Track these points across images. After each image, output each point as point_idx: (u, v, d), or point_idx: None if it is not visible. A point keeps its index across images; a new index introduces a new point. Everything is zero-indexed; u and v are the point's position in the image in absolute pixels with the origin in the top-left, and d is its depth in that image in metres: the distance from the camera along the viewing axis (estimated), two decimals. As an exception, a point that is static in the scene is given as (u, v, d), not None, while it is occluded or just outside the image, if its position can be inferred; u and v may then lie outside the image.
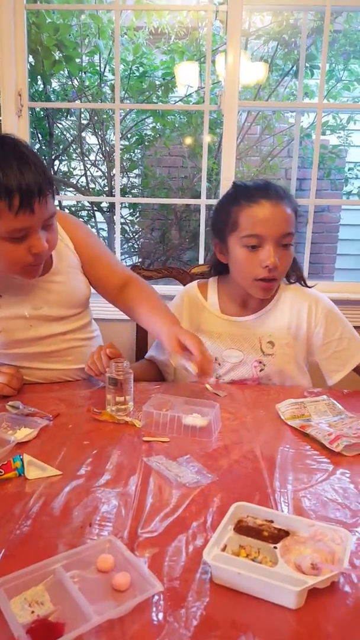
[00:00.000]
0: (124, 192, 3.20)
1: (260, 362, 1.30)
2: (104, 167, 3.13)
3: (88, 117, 3.00)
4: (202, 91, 2.78)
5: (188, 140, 3.10)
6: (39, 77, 2.65)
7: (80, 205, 3.23)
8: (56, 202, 1.14)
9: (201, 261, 2.12)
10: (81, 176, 3.15)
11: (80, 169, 3.13)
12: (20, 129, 1.94)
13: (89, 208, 3.23)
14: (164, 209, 3.25)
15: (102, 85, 2.89)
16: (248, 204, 1.20)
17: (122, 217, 3.22)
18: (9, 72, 1.89)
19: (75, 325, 1.30)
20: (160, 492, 0.79)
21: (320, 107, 1.98)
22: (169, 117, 2.93)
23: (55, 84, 2.93)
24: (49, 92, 2.85)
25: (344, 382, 1.31)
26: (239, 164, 3.13)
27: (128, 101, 2.90)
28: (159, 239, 3.34)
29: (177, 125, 3.03)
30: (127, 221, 3.32)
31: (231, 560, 0.61)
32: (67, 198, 3.19)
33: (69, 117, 3.04)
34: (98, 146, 3.08)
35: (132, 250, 3.41)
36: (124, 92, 2.86)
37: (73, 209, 3.20)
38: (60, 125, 3.08)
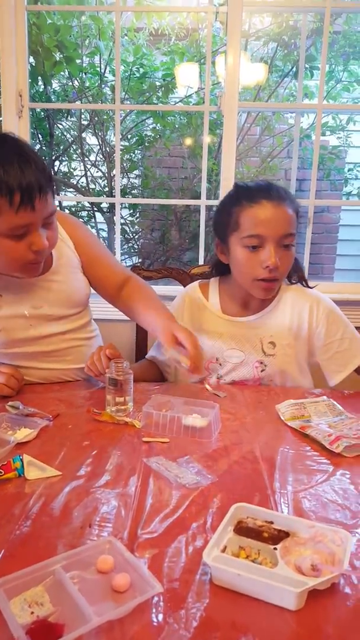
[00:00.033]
0: (124, 193, 3.20)
1: (261, 363, 1.30)
2: (104, 168, 3.13)
3: (88, 118, 3.00)
4: (202, 92, 2.78)
5: (188, 141, 3.11)
6: (39, 77, 2.65)
7: (80, 205, 3.24)
8: (56, 203, 1.15)
9: (201, 262, 2.12)
10: (81, 177, 3.15)
11: (80, 170, 3.13)
12: (20, 129, 1.94)
13: (89, 208, 3.23)
14: (164, 209, 3.25)
15: (103, 86, 2.89)
16: (249, 204, 1.20)
17: (122, 217, 3.22)
18: (10, 73, 1.89)
19: (75, 325, 1.30)
20: (160, 492, 0.79)
21: (320, 108, 1.98)
22: (169, 118, 2.93)
23: (55, 84, 2.94)
24: (49, 92, 2.85)
25: (345, 383, 1.31)
26: (239, 164, 3.13)
27: (128, 102, 2.90)
28: (159, 240, 3.34)
29: (177, 126, 3.03)
30: (127, 222, 3.32)
31: (231, 562, 0.60)
32: (68, 199, 3.19)
33: (69, 117, 3.04)
34: (98, 147, 3.09)
35: (132, 250, 3.41)
36: (124, 93, 2.86)
37: (73, 209, 3.20)
38: (60, 126, 3.08)
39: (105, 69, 2.85)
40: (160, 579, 0.59)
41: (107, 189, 3.13)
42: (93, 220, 3.25)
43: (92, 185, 3.17)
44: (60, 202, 2.89)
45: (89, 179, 3.14)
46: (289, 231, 1.20)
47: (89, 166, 3.12)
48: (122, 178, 3.17)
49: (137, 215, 3.37)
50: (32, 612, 0.54)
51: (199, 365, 1.09)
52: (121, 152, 3.02)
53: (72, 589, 0.56)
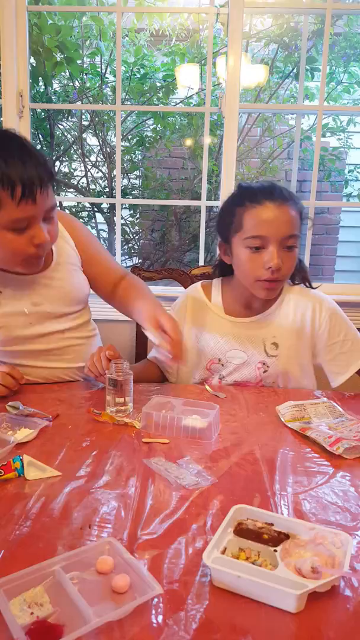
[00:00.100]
0: (124, 194, 3.21)
1: (264, 364, 1.30)
2: (104, 168, 3.13)
3: (89, 119, 3.00)
4: (203, 93, 2.78)
5: (188, 142, 3.11)
6: (40, 78, 2.65)
7: (80, 206, 3.24)
8: (56, 208, 1.16)
9: (201, 262, 2.12)
10: (82, 177, 3.15)
11: (80, 170, 3.13)
12: (21, 129, 1.94)
13: (89, 209, 3.24)
14: (164, 210, 3.26)
15: (103, 86, 2.89)
16: (252, 205, 1.20)
17: (122, 218, 3.22)
18: (11, 73, 1.89)
19: (75, 323, 1.30)
20: (159, 493, 0.78)
21: (321, 110, 1.98)
22: (169, 118, 2.93)
23: (56, 85, 2.94)
24: (50, 93, 2.85)
25: (346, 385, 1.30)
26: (239, 165, 3.13)
27: (129, 103, 2.90)
28: (159, 240, 3.34)
29: (177, 127, 3.03)
30: (127, 222, 3.32)
31: (231, 563, 0.60)
32: (68, 199, 3.20)
33: (69, 118, 3.04)
34: (99, 147, 3.09)
35: (132, 251, 3.41)
36: (124, 93, 2.86)
37: (73, 209, 3.20)
38: (61, 127, 3.08)
39: (106, 69, 2.85)
40: (160, 580, 0.59)
41: (107, 189, 3.13)
42: (93, 220, 3.25)
43: (92, 186, 3.17)
44: (60, 203, 2.89)
45: (90, 179, 3.14)
46: (291, 232, 1.20)
47: (89, 167, 3.12)
48: (123, 179, 3.17)
49: (138, 215, 3.37)
50: (32, 613, 0.54)
51: (179, 352, 1.08)
52: (122, 153, 3.02)
53: (71, 589, 0.56)
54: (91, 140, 3.12)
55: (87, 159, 3.10)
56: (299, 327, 1.30)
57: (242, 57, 1.87)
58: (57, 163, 3.09)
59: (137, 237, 3.40)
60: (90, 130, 3.06)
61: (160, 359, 1.40)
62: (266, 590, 0.57)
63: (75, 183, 3.17)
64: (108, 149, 3.05)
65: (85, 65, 2.82)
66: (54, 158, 3.05)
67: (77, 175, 3.17)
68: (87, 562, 0.61)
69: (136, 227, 3.37)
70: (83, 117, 2.99)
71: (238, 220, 1.22)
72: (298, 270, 1.32)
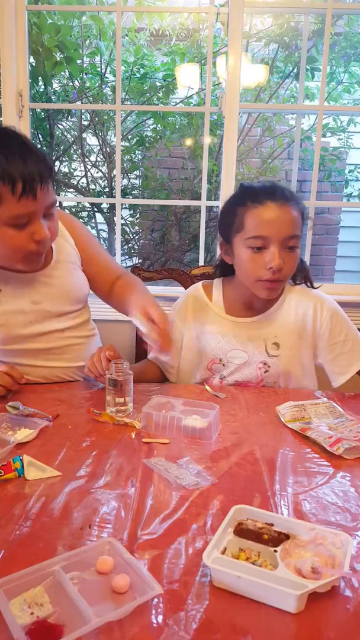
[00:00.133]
0: (124, 193, 3.20)
1: (265, 364, 1.30)
2: (104, 168, 3.13)
3: (89, 118, 3.00)
4: (203, 93, 2.78)
5: (188, 142, 3.11)
6: (39, 78, 2.65)
7: (80, 206, 3.24)
8: (57, 205, 1.16)
9: (201, 263, 2.12)
10: (82, 177, 3.15)
11: (80, 170, 3.13)
12: (20, 129, 1.93)
13: (89, 209, 3.24)
14: (164, 210, 3.26)
15: (103, 86, 2.89)
16: (254, 205, 1.20)
17: (122, 218, 3.22)
18: (10, 73, 1.89)
19: (74, 323, 1.30)
20: (160, 494, 0.78)
21: (321, 110, 1.98)
22: (169, 118, 2.93)
23: (56, 85, 2.94)
24: (49, 93, 2.85)
25: (346, 385, 1.30)
26: (240, 165, 3.13)
27: (129, 102, 2.90)
28: (159, 240, 3.34)
29: (177, 126, 3.03)
30: (127, 222, 3.32)
31: (231, 564, 0.60)
32: (68, 199, 3.20)
33: (69, 118, 3.04)
34: (99, 147, 3.09)
35: (132, 251, 3.41)
36: (124, 93, 2.86)
37: (73, 209, 3.20)
38: (61, 126, 3.08)
39: (106, 69, 2.85)
40: (160, 581, 0.59)
41: (107, 189, 3.13)
42: (93, 220, 3.25)
43: (92, 186, 3.17)
44: (60, 203, 2.89)
45: (89, 179, 3.14)
46: (293, 232, 1.20)
47: (89, 167, 3.12)
48: (123, 178, 3.17)
49: (137, 215, 3.37)
50: (32, 613, 0.54)
51: (165, 342, 1.07)
52: (121, 153, 3.02)
53: (71, 589, 0.56)
54: (91, 140, 3.12)
55: (87, 159, 3.10)
56: (300, 327, 1.30)
57: (242, 56, 1.87)
58: (57, 163, 3.09)
59: (137, 237, 3.40)
60: (90, 130, 3.06)
61: (162, 359, 1.40)
62: (266, 591, 0.57)
63: (75, 183, 3.17)
64: (108, 148, 3.05)
65: (85, 65, 2.82)
66: (53, 158, 3.05)
67: (77, 175, 3.17)
68: (87, 562, 0.61)
69: (136, 227, 3.37)
70: (83, 116, 2.99)
71: (239, 220, 1.22)
72: (300, 270, 1.32)
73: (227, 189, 1.92)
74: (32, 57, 2.42)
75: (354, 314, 1.77)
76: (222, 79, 2.56)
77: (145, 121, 3.08)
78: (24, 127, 1.95)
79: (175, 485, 0.81)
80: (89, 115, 2.99)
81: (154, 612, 0.56)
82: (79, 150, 3.10)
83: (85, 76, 2.87)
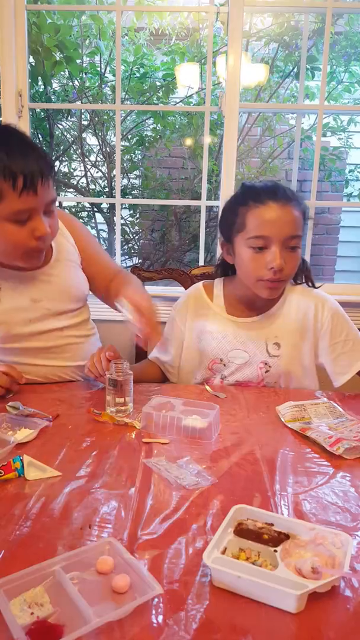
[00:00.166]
0: (124, 193, 3.20)
1: (265, 364, 1.30)
2: (104, 168, 3.13)
3: (88, 118, 3.00)
4: (203, 92, 2.78)
5: (188, 142, 3.11)
6: (39, 77, 2.65)
7: (80, 206, 3.24)
8: (56, 203, 1.17)
9: (201, 262, 2.12)
10: (81, 177, 3.15)
11: (80, 170, 3.13)
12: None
13: (89, 209, 3.23)
14: (164, 210, 3.25)
15: (103, 86, 2.89)
16: (256, 204, 1.20)
17: (122, 218, 3.21)
18: (10, 73, 1.89)
19: (73, 322, 1.31)
20: (160, 494, 0.78)
21: (321, 109, 1.98)
22: (169, 118, 2.93)
23: (55, 84, 2.93)
24: (49, 93, 2.85)
25: (347, 385, 1.30)
26: (240, 165, 3.13)
27: (129, 102, 2.90)
28: (159, 240, 3.34)
29: (177, 126, 3.03)
30: (127, 222, 3.32)
31: (231, 564, 0.60)
32: (68, 199, 3.19)
33: (69, 118, 3.04)
34: (98, 147, 3.09)
35: (132, 251, 3.41)
36: (124, 93, 2.86)
37: (73, 209, 3.20)
38: (60, 126, 3.08)
39: (106, 69, 2.85)
40: (160, 581, 0.59)
41: (107, 189, 3.13)
42: (93, 220, 3.25)
43: (92, 186, 3.17)
44: (60, 203, 2.89)
45: (89, 179, 3.14)
46: (294, 233, 1.20)
47: (89, 166, 3.12)
48: (122, 178, 3.17)
49: (137, 215, 3.37)
50: (32, 613, 0.54)
51: (150, 330, 1.05)
52: (121, 153, 3.02)
53: (72, 590, 0.56)
54: (91, 140, 3.12)
55: (86, 159, 3.10)
56: (301, 327, 1.30)
57: (242, 56, 1.87)
58: (57, 163, 3.09)
59: (137, 237, 3.40)
60: (90, 130, 3.05)
61: (163, 360, 1.40)
62: (266, 591, 0.57)
63: (75, 183, 3.17)
64: (108, 148, 3.05)
65: (84, 65, 2.81)
66: (53, 158, 3.05)
67: (77, 175, 3.17)
68: (87, 562, 0.61)
69: (136, 227, 3.37)
70: (82, 116, 2.99)
71: (241, 220, 1.22)
72: (301, 270, 1.32)
73: (227, 189, 1.92)
74: (31, 57, 2.41)
75: (355, 313, 1.76)
76: (222, 78, 2.56)
77: (145, 121, 3.07)
78: (24, 127, 1.94)
79: (175, 485, 0.81)
80: (88, 115, 2.98)
81: (154, 612, 0.56)
82: (79, 150, 3.10)
83: (84, 76, 2.87)
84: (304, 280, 1.36)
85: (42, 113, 2.94)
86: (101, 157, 3.12)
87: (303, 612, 0.56)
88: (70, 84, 2.89)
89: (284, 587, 0.56)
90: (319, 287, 1.37)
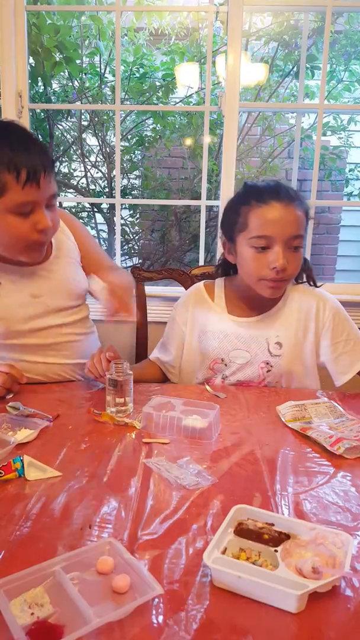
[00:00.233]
0: (124, 194, 3.20)
1: (267, 364, 1.30)
2: (104, 169, 3.13)
3: (88, 119, 3.00)
4: (203, 92, 2.78)
5: (188, 142, 3.10)
6: (39, 78, 2.65)
7: (80, 206, 3.24)
8: (57, 203, 1.18)
9: (202, 262, 2.12)
10: (81, 177, 3.15)
11: (80, 171, 3.13)
12: (20, 129, 1.94)
13: (89, 209, 3.24)
14: (164, 210, 3.25)
15: (103, 86, 2.89)
16: (258, 204, 1.20)
17: (122, 218, 3.21)
18: (9, 73, 1.89)
19: (72, 319, 1.31)
20: (160, 494, 0.78)
21: (321, 108, 1.98)
22: (169, 118, 2.93)
23: (55, 85, 2.94)
24: (49, 93, 2.85)
25: (348, 384, 1.30)
26: (240, 165, 3.13)
27: (128, 102, 2.90)
28: (159, 240, 3.34)
29: (177, 126, 3.03)
30: (127, 222, 3.32)
31: (231, 564, 0.60)
32: (68, 199, 3.20)
33: (69, 118, 3.04)
34: (98, 147, 3.09)
35: (132, 251, 3.41)
36: (124, 93, 2.86)
37: (73, 210, 3.20)
38: (60, 127, 3.08)
39: (105, 69, 2.85)
40: (160, 581, 0.59)
41: (107, 189, 3.13)
42: (93, 220, 3.25)
43: (92, 186, 3.17)
44: (60, 203, 2.89)
45: (89, 179, 3.14)
46: (297, 232, 1.20)
47: (89, 167, 3.12)
48: (122, 179, 3.17)
49: (137, 215, 3.37)
50: (32, 613, 0.54)
51: (120, 305, 1.09)
52: (121, 153, 3.02)
53: (72, 590, 0.56)
54: (91, 140, 3.12)
55: (86, 159, 3.10)
56: (302, 326, 1.30)
57: (242, 55, 1.86)
58: (57, 163, 3.09)
59: (137, 237, 3.40)
60: (90, 130, 3.05)
61: (163, 360, 1.39)
62: (267, 591, 0.57)
63: (75, 183, 3.17)
64: (107, 149, 3.05)
65: (84, 65, 2.81)
66: (53, 158, 3.05)
67: (77, 176, 3.17)
68: (88, 562, 0.61)
69: (136, 227, 3.37)
70: (82, 117, 2.99)
71: (243, 220, 1.22)
72: (303, 269, 1.32)
73: (227, 189, 1.91)
74: (31, 58, 2.41)
75: (355, 313, 1.76)
76: (221, 78, 2.56)
77: (144, 121, 3.07)
78: (24, 128, 1.95)
79: (175, 485, 0.80)
80: (88, 116, 2.98)
81: (154, 612, 0.56)
82: (79, 151, 3.10)
83: (84, 76, 2.87)
84: (305, 280, 1.36)
85: (42, 114, 2.94)
86: (101, 157, 3.12)
87: (304, 612, 0.56)
88: (70, 84, 2.89)
89: (284, 587, 0.56)
90: (320, 286, 1.37)
